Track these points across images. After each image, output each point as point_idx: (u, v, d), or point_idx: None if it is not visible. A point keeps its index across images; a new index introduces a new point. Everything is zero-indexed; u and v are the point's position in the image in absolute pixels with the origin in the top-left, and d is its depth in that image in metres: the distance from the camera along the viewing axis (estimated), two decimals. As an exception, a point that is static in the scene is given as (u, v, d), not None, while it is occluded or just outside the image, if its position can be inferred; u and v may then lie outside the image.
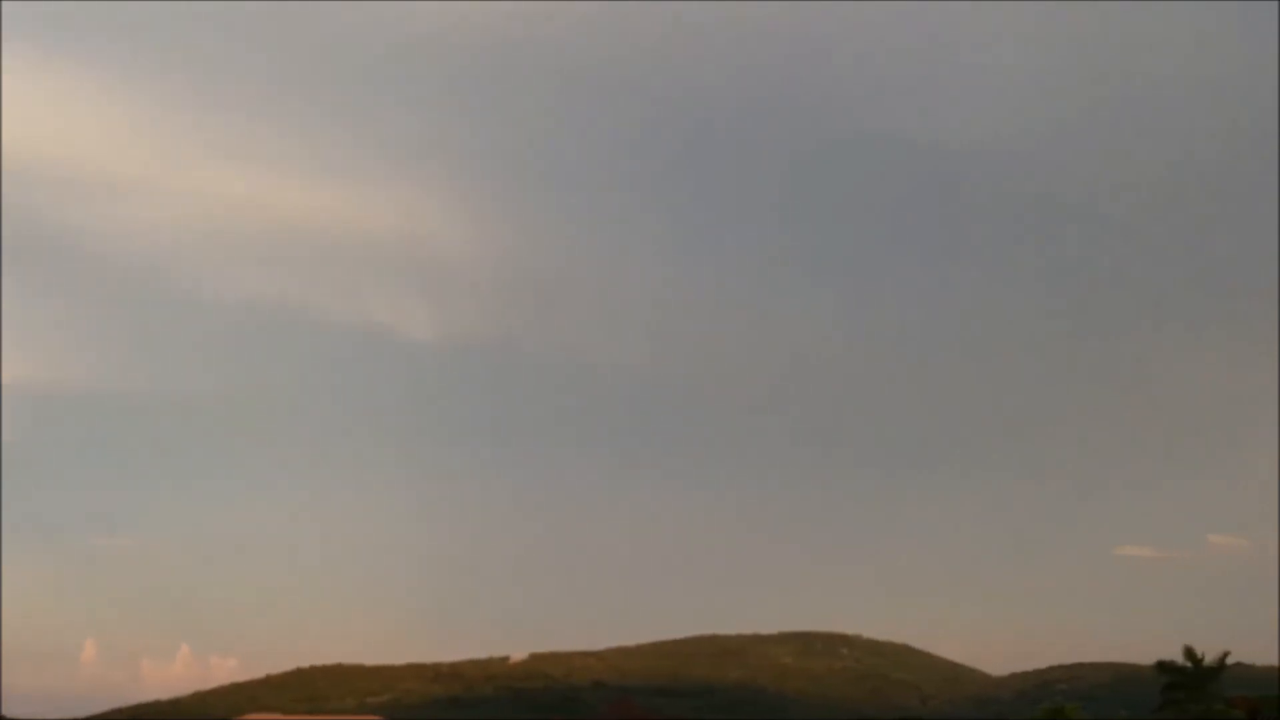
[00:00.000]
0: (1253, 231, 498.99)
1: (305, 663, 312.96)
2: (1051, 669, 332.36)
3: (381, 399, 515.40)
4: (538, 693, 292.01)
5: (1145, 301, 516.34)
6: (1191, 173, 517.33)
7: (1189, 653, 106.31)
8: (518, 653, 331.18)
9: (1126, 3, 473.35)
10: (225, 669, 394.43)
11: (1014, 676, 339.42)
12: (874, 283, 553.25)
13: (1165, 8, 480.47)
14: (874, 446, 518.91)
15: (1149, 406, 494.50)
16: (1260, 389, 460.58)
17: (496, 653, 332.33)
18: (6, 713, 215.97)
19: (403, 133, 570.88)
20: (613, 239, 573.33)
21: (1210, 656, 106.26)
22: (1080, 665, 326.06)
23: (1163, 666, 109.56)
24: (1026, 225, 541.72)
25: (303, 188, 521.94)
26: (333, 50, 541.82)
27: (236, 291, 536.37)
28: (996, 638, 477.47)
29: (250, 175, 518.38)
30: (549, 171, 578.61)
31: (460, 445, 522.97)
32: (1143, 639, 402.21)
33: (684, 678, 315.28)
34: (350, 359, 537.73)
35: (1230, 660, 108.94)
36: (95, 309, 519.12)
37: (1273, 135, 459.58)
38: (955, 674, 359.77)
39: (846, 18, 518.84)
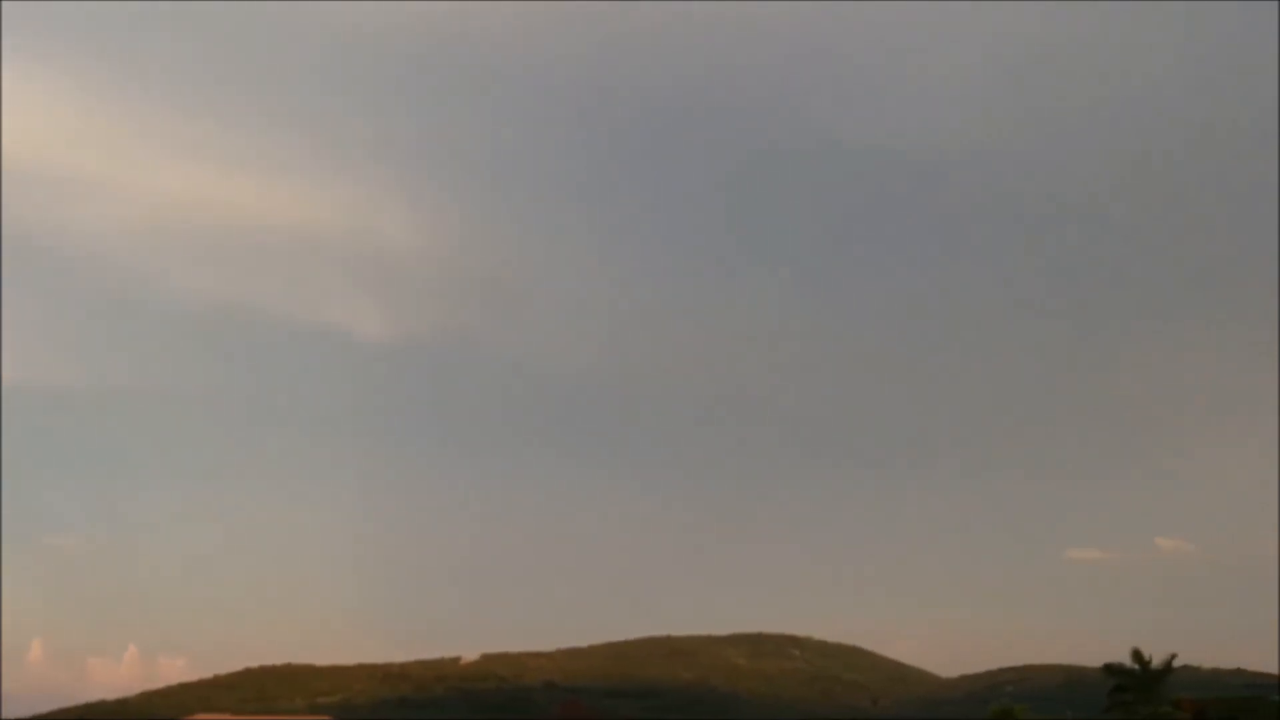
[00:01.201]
0: (1206, 241, 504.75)
1: (254, 663, 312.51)
2: (1000, 670, 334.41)
3: (332, 398, 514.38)
4: (488, 693, 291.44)
5: (1095, 310, 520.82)
6: (1148, 176, 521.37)
7: (1137, 655, 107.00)
8: (468, 653, 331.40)
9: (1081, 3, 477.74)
10: (174, 669, 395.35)
11: (963, 678, 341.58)
12: (828, 285, 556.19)
13: (1124, 10, 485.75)
14: (825, 451, 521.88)
15: (1098, 412, 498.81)
16: (1206, 395, 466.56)
17: (447, 653, 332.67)
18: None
19: (355, 133, 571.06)
20: (565, 239, 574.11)
21: (1158, 659, 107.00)
22: (1029, 667, 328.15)
23: (1110, 669, 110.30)
24: (980, 230, 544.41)
25: (254, 188, 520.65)
26: (284, 50, 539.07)
27: (187, 291, 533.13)
28: (946, 639, 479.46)
29: (202, 175, 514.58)
30: (501, 171, 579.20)
31: (411, 445, 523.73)
32: (1091, 641, 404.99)
33: (635, 678, 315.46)
34: (302, 358, 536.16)
35: (1177, 663, 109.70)
36: (45, 308, 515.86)
37: (1229, 135, 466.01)
38: (905, 675, 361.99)
39: (802, 19, 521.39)
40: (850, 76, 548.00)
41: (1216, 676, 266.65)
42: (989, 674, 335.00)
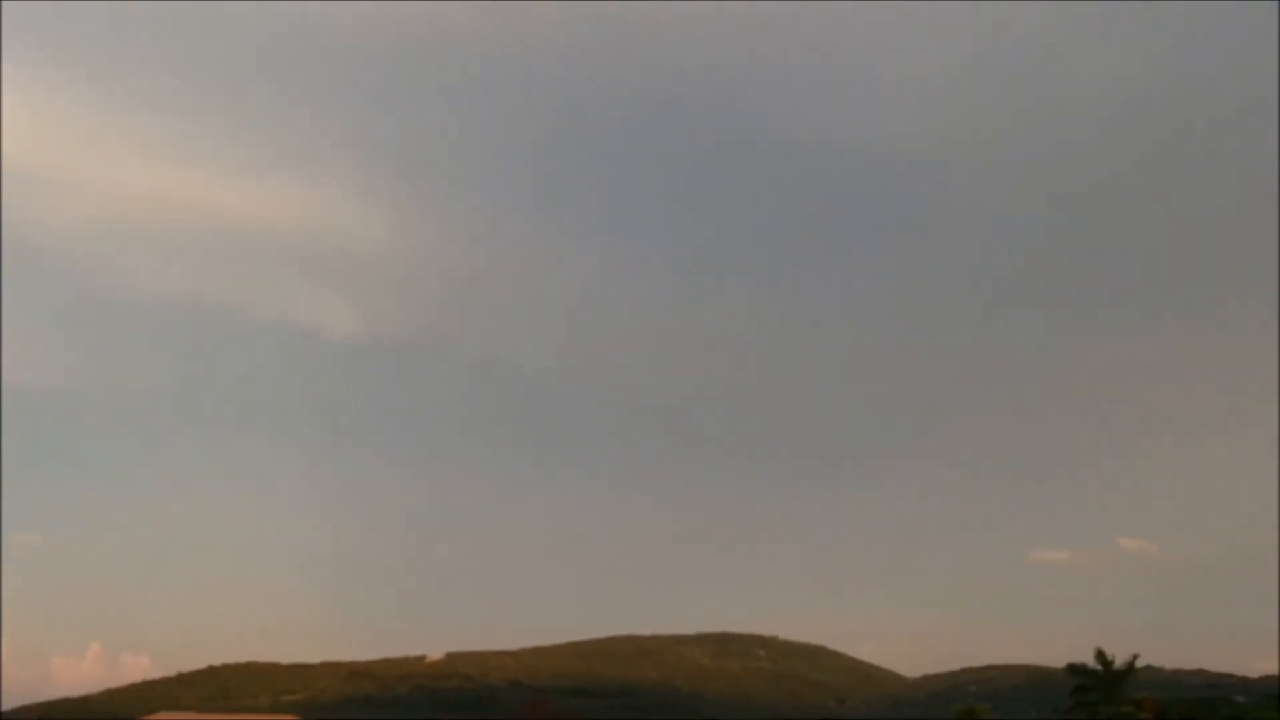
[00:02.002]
0: (1173, 245, 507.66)
1: (218, 660, 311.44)
2: (964, 671, 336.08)
3: (299, 396, 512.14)
4: (453, 692, 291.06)
5: (1057, 310, 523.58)
6: (1118, 177, 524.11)
7: (1099, 655, 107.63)
8: (434, 652, 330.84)
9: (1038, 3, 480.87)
10: (137, 667, 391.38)
11: (927, 678, 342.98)
12: (796, 285, 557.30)
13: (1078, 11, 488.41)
14: (791, 452, 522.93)
15: (1061, 414, 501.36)
16: (1168, 398, 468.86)
17: (412, 652, 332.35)
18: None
19: (322, 130, 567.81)
20: (533, 237, 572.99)
21: (1120, 659, 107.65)
22: (992, 667, 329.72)
23: (1073, 669, 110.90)
24: (945, 231, 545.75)
25: (220, 185, 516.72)
26: (252, 48, 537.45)
27: (153, 288, 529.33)
28: (911, 639, 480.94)
29: (167, 172, 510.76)
30: (469, 169, 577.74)
31: (377, 443, 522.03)
32: (1054, 641, 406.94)
33: (600, 678, 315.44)
34: (269, 356, 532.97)
35: (1139, 663, 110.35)
36: (8, 305, 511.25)
37: (1208, 135, 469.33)
38: (869, 675, 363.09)
39: (768, 20, 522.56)
40: (822, 76, 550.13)
41: (1178, 677, 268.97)
42: (953, 674, 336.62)
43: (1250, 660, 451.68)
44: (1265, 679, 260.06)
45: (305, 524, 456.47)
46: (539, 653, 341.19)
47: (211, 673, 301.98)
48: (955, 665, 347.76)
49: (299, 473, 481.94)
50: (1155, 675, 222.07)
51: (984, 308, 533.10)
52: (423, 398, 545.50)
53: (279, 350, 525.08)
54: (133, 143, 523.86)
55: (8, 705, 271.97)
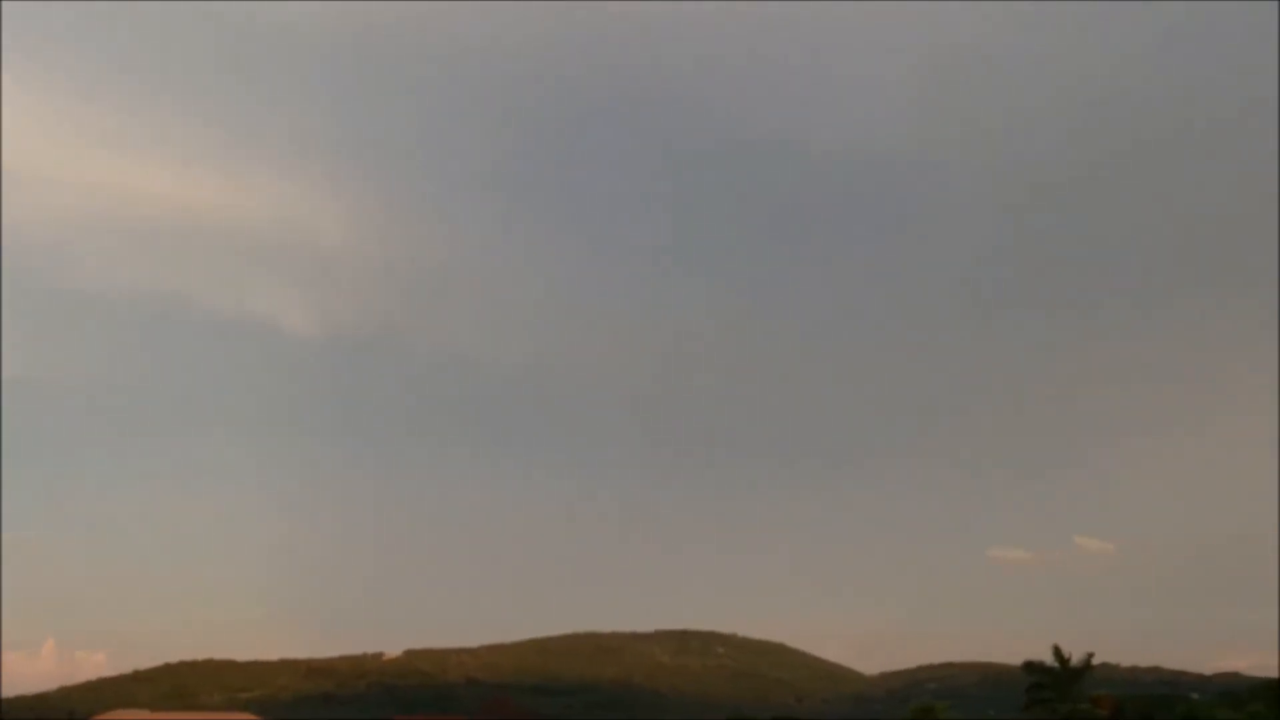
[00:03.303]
0: (1131, 244, 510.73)
1: (175, 658, 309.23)
2: (922, 668, 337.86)
3: (258, 392, 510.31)
4: (411, 689, 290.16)
5: (1015, 308, 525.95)
6: (1075, 179, 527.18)
7: (1056, 653, 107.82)
8: (392, 649, 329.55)
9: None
10: (92, 664, 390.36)
11: (886, 676, 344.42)
12: (759, 284, 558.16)
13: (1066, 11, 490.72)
14: (751, 447, 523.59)
15: (1020, 412, 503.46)
16: (1126, 399, 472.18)
17: (370, 649, 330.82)
18: None
19: (283, 126, 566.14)
20: (494, 233, 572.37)
21: (1077, 657, 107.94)
22: (950, 665, 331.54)
23: (1030, 667, 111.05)
24: (905, 231, 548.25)
25: (182, 180, 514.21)
26: (213, 44, 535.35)
27: (111, 283, 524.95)
28: (869, 637, 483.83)
29: (129, 167, 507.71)
30: (430, 165, 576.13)
31: (337, 439, 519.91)
32: (1012, 639, 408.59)
33: (560, 675, 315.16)
34: (227, 351, 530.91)
35: (1096, 660, 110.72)
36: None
37: (1167, 135, 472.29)
38: (829, 673, 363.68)
39: (736, 19, 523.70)
40: (792, 75, 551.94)
41: (1135, 674, 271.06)
42: (911, 671, 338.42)
43: (1206, 658, 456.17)
44: (1220, 676, 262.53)
45: (263, 520, 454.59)
46: (498, 650, 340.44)
47: (168, 670, 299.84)
48: (914, 663, 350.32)
49: (257, 469, 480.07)
50: (1112, 673, 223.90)
51: (946, 310, 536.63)
52: (383, 394, 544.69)
53: (238, 345, 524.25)
54: (92, 137, 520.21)
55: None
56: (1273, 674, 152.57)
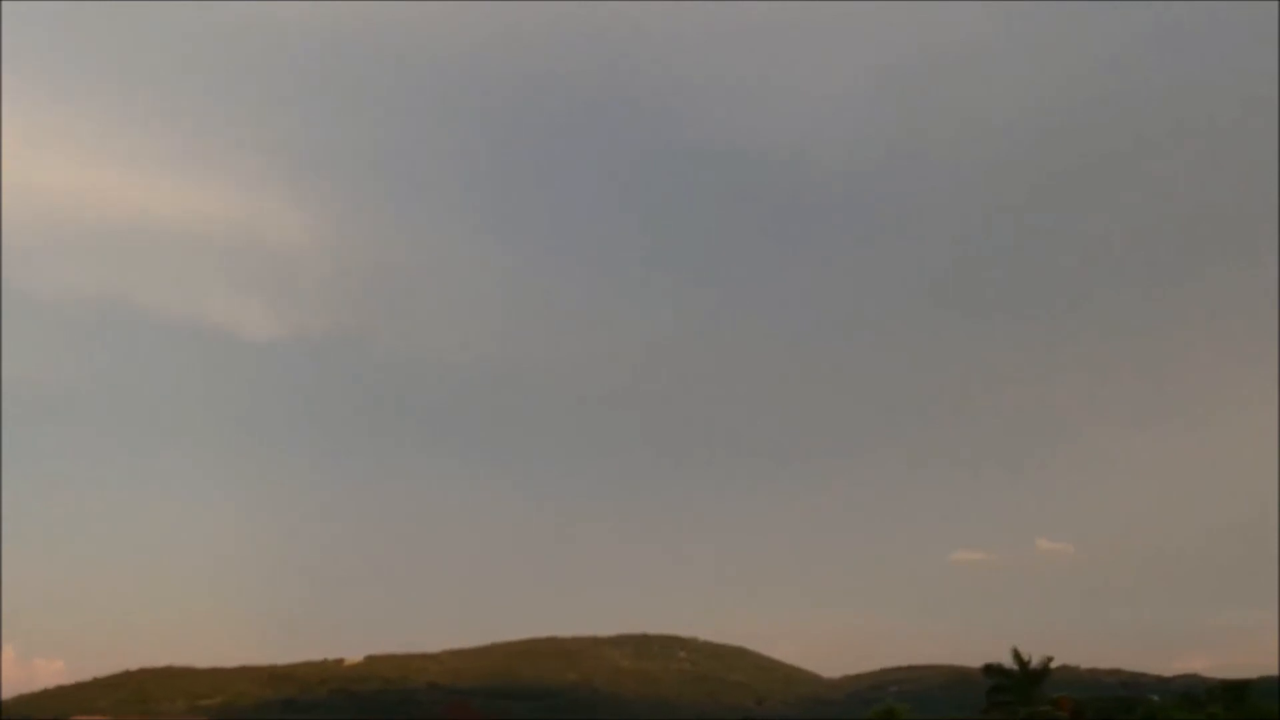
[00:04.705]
0: (1081, 246, 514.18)
1: (134, 664, 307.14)
2: (884, 671, 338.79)
3: (217, 397, 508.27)
4: (373, 695, 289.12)
5: (975, 313, 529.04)
6: (1017, 182, 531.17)
7: (1016, 655, 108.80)
8: (353, 654, 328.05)
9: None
10: (51, 671, 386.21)
11: (847, 678, 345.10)
12: (716, 285, 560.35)
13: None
14: (712, 450, 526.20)
15: (982, 415, 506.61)
16: (1085, 401, 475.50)
17: (331, 654, 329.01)
18: None
19: (242, 128, 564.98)
20: (452, 236, 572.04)
21: (1039, 659, 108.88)
22: (912, 668, 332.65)
23: (990, 669, 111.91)
24: (864, 233, 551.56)
25: (139, 183, 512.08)
26: (170, 46, 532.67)
27: (68, 287, 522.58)
28: (831, 640, 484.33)
29: (85, 170, 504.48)
30: (388, 169, 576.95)
31: (296, 445, 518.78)
32: (974, 641, 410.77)
33: (520, 680, 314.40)
34: (185, 356, 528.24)
35: (1056, 663, 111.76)
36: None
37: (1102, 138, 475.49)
38: (790, 676, 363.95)
39: (694, 24, 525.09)
40: (750, 80, 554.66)
41: (1095, 676, 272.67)
42: (873, 674, 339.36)
43: (1166, 660, 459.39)
44: (1180, 678, 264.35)
45: (223, 526, 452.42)
46: (459, 655, 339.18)
47: (127, 677, 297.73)
48: (875, 666, 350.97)
49: (215, 474, 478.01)
50: (1072, 675, 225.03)
51: (906, 311, 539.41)
52: (341, 399, 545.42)
53: (196, 351, 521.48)
54: (48, 140, 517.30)
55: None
56: (1232, 675, 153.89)
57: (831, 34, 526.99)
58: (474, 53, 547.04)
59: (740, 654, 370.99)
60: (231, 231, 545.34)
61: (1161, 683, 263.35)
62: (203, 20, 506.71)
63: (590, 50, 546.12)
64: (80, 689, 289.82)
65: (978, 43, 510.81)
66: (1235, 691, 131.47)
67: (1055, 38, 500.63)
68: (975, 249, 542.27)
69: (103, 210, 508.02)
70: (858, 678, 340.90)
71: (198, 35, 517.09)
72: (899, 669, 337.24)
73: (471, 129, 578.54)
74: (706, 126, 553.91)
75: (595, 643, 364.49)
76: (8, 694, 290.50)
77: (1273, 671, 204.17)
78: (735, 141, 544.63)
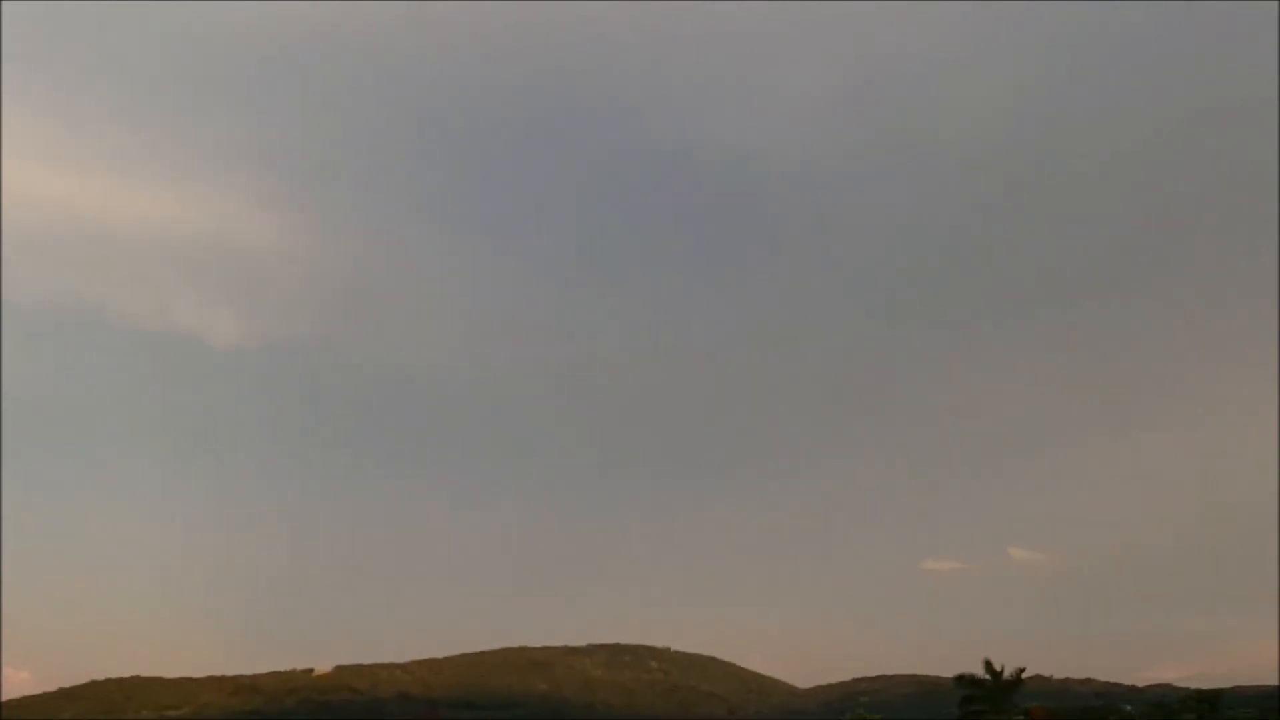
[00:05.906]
0: (1055, 256, 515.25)
1: (101, 674, 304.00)
2: (856, 680, 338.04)
3: (184, 405, 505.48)
4: (342, 705, 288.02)
5: (947, 321, 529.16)
6: (997, 187, 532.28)
7: (988, 666, 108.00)
8: (322, 665, 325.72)
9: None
10: (17, 681, 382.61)
11: (819, 688, 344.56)
12: (681, 295, 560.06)
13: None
14: (682, 463, 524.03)
15: (954, 425, 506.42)
16: (1057, 409, 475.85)
17: (300, 665, 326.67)
18: None
19: (211, 136, 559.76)
20: (421, 245, 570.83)
21: (1011, 668, 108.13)
22: (884, 677, 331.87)
23: (962, 680, 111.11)
24: (831, 240, 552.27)
25: (106, 190, 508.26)
26: (140, 53, 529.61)
27: (35, 294, 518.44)
28: (803, 650, 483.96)
29: (52, 177, 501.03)
30: (357, 177, 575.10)
31: (264, 454, 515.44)
32: (946, 651, 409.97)
33: (491, 690, 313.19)
34: (151, 364, 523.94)
35: (1029, 673, 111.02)
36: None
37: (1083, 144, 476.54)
38: (762, 685, 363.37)
39: (648, 27, 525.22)
40: (706, 87, 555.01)
41: (1068, 686, 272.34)
42: (845, 684, 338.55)
43: (1138, 669, 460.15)
44: (1153, 688, 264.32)
45: (190, 536, 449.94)
46: (428, 665, 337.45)
47: (94, 687, 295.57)
48: (847, 675, 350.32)
49: (183, 483, 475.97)
50: (1045, 684, 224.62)
51: (876, 319, 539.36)
52: (309, 406, 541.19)
53: (163, 358, 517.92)
54: (12, 145, 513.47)
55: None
56: (1204, 685, 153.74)
57: (778, 39, 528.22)
58: (443, 61, 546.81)
59: (712, 664, 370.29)
60: (200, 238, 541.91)
61: (1134, 692, 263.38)
62: (172, 25, 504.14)
63: (561, 58, 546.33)
64: (47, 699, 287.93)
65: (954, 45, 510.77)
66: (1208, 701, 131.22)
67: (1038, 38, 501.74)
68: (948, 255, 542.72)
69: (70, 216, 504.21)
70: (829, 687, 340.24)
71: (167, 41, 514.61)
72: (870, 679, 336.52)
73: (441, 137, 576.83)
74: (661, 134, 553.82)
75: (567, 652, 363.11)
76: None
77: (1245, 680, 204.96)
78: (727, 148, 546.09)
